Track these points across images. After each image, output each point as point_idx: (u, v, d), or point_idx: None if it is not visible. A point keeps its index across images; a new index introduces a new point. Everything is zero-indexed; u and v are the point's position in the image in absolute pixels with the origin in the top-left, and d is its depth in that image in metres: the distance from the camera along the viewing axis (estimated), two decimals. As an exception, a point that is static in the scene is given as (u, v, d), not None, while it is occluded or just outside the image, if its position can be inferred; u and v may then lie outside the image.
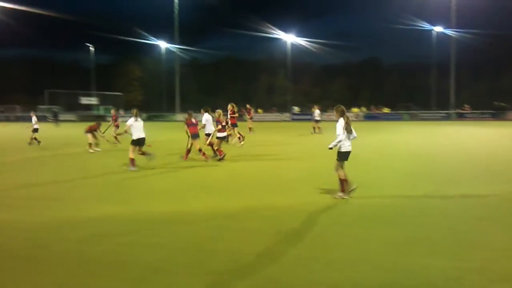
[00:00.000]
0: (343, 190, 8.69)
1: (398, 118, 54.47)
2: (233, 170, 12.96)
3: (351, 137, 8.69)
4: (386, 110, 61.55)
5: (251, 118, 30.26)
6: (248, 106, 31.17)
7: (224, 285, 4.62)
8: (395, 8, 74.03)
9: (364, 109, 63.46)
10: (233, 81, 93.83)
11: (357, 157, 11.97)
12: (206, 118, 15.93)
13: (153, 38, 79.92)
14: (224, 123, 15.76)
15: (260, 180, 11.11)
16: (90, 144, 18.07)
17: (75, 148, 19.75)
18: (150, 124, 33.71)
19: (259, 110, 66.19)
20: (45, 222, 7.09)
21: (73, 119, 63.57)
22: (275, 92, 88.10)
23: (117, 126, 21.41)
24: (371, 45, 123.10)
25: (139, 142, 13.01)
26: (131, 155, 12.86)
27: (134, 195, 9.38)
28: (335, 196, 8.68)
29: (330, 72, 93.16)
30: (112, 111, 23.48)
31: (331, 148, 8.70)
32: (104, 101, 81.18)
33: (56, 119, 48.67)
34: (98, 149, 18.25)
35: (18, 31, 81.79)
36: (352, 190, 8.77)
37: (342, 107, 8.84)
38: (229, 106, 21.32)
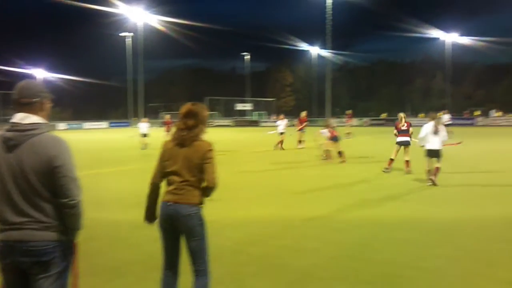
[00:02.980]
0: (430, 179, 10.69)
1: None
2: (377, 178, 12.58)
3: (438, 138, 10.56)
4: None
5: (349, 123, 32.29)
6: (348, 112, 33.63)
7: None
8: None
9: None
10: (387, 84, 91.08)
11: None
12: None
13: (305, 44, 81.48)
14: (404, 128, 13.11)
15: (408, 188, 10.62)
16: None
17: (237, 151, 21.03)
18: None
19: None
20: (212, 221, 7.63)
21: (229, 124, 67.49)
22: (432, 95, 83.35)
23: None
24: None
25: None
26: None
27: (289, 199, 9.66)
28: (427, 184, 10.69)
29: (496, 72, 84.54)
30: (167, 117, 25.41)
31: (422, 146, 10.96)
32: (257, 106, 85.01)
33: None
34: None
35: (181, 43, 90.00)
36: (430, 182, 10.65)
37: (434, 114, 11.43)
38: (302, 113, 23.89)
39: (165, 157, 3.69)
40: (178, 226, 3.67)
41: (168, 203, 3.64)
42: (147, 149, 22.49)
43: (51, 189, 2.71)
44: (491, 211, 8.20)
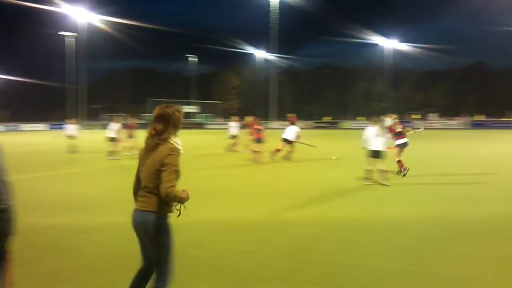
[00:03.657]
0: (368, 177, 11.60)
1: (507, 126, 50.41)
2: (332, 178, 12.85)
3: (382, 140, 11.42)
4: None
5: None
6: (290, 115, 33.14)
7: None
8: (505, 10, 68.98)
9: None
10: (330, 88, 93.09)
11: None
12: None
13: (251, 47, 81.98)
14: (399, 130, 13.35)
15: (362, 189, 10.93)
16: None
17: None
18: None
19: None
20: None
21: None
22: (373, 99, 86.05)
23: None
24: (478, 48, 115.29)
25: None
26: None
27: (234, 201, 9.68)
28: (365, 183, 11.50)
29: (433, 77, 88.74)
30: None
31: (364, 148, 11.70)
32: (203, 109, 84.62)
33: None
34: None
35: (125, 44, 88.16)
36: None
37: (376, 118, 12.06)
38: (249, 118, 22.79)
39: (138, 163, 3.69)
40: (141, 232, 3.63)
41: (135, 209, 3.64)
42: (77, 153, 21.20)
43: (-20, 193, 2.59)
44: (427, 210, 8.55)
